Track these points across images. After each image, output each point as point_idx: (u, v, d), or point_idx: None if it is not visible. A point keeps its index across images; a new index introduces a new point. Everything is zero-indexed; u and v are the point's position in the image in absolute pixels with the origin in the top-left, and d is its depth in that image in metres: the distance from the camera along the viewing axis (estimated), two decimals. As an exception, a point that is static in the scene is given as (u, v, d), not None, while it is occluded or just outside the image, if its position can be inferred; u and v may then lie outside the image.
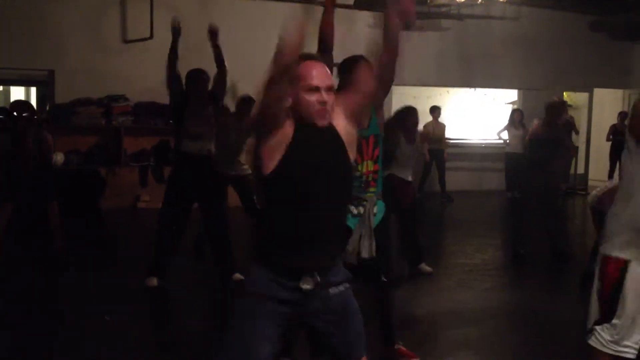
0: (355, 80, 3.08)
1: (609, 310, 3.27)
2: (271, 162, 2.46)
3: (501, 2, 10.96)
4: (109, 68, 10.44)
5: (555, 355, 4.63)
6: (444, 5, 12.21)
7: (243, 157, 7.18)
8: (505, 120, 12.68)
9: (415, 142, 6.40)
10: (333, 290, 2.58)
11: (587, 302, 3.35)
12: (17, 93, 12.83)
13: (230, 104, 7.29)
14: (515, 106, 13.96)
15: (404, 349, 4.29)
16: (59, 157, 6.64)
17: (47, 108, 10.47)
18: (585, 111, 14.83)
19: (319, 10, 3.94)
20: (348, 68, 3.59)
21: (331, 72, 2.71)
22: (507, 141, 12.44)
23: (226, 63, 6.13)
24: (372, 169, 3.84)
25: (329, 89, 2.53)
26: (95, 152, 10.15)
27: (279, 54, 2.43)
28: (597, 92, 14.71)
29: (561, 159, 7.78)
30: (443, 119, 12.26)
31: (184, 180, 5.91)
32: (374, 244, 3.79)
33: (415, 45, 12.78)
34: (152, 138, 10.32)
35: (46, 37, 10.16)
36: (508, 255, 7.80)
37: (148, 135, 10.26)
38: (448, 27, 13.09)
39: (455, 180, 12.64)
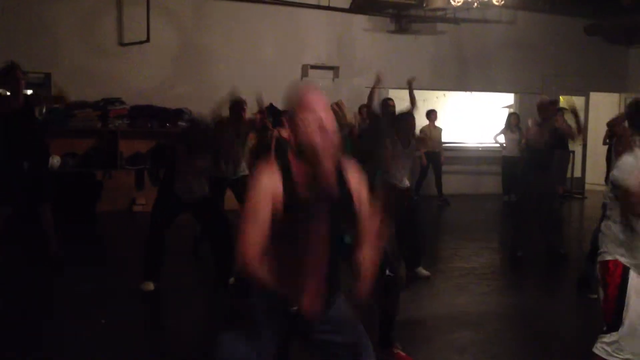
0: None
1: (616, 318, 3.29)
2: None
3: (497, 5, 10.98)
4: (106, 71, 10.44)
5: (553, 358, 4.63)
6: (440, 9, 12.23)
7: (242, 159, 7.18)
8: (501, 124, 12.69)
9: (410, 146, 6.39)
10: (332, 312, 2.61)
11: (584, 305, 3.36)
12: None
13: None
14: (512, 110, 13.98)
15: (402, 353, 4.29)
16: (55, 160, 6.61)
17: (44, 110, 10.42)
18: (581, 115, 14.83)
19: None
20: None
21: None
22: (504, 145, 12.46)
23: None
24: None
25: None
26: (92, 155, 10.12)
27: None
28: (594, 95, 14.74)
29: (557, 163, 7.79)
30: (439, 122, 12.27)
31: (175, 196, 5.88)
32: None
33: (411, 49, 12.83)
34: (148, 141, 10.30)
35: (43, 39, 10.15)
36: (505, 258, 7.80)
37: (144, 138, 10.24)
38: (444, 30, 13.13)
39: (452, 183, 12.66)
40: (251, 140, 7.35)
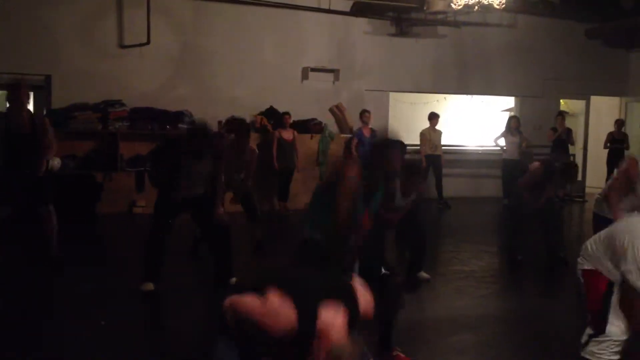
0: None
1: (602, 322, 3.30)
2: None
3: (498, 9, 10.99)
4: (106, 73, 10.46)
5: (552, 361, 4.64)
6: (440, 12, 12.25)
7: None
8: (502, 127, 12.69)
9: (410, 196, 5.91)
10: None
11: (583, 308, 3.37)
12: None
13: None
14: (512, 113, 14.00)
15: (402, 355, 4.28)
16: (55, 162, 6.62)
17: (44, 113, 10.45)
18: (582, 118, 14.87)
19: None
20: None
21: None
22: (504, 148, 12.47)
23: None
24: None
25: None
26: (92, 157, 10.13)
27: None
28: (594, 99, 14.75)
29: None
30: (440, 125, 12.28)
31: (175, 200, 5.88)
32: None
33: (412, 52, 12.85)
34: (149, 143, 10.29)
35: (43, 42, 10.18)
36: (504, 261, 7.79)
37: (144, 140, 10.24)
38: (445, 34, 13.14)
39: (452, 186, 12.65)
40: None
